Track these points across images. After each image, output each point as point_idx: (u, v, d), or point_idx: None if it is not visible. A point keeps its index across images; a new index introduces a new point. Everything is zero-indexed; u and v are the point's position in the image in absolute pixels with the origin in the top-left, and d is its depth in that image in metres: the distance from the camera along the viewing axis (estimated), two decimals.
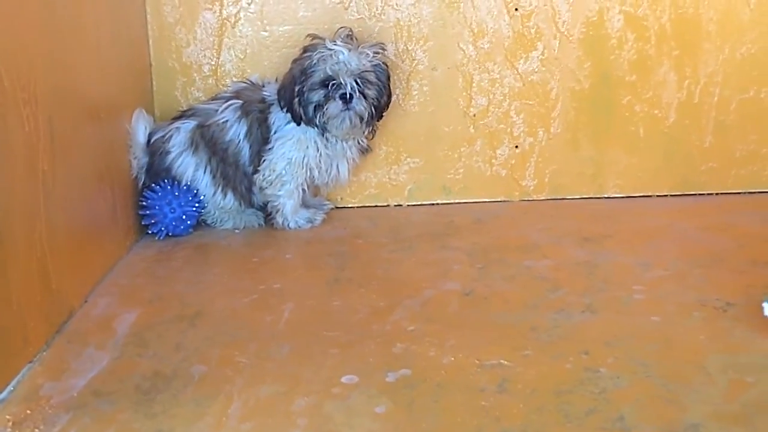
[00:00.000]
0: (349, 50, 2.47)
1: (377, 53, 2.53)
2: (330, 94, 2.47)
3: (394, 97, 2.65)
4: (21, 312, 1.69)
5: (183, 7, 2.73)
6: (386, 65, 2.57)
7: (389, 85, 2.58)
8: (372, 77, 2.51)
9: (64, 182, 1.96)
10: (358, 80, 2.48)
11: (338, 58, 2.46)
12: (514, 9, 2.73)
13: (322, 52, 2.46)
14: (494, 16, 2.73)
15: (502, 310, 1.93)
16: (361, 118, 2.51)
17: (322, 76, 2.47)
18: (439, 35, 2.75)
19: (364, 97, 2.49)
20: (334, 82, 2.46)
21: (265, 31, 2.75)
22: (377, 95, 2.53)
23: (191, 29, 2.75)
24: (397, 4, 2.72)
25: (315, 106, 2.48)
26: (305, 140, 2.55)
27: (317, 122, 2.50)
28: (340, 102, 2.47)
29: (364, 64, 2.49)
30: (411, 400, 1.54)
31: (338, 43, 2.47)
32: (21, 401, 1.57)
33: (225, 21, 2.74)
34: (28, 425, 1.49)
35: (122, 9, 2.54)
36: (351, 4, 2.72)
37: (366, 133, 2.60)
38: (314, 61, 2.47)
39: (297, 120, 2.51)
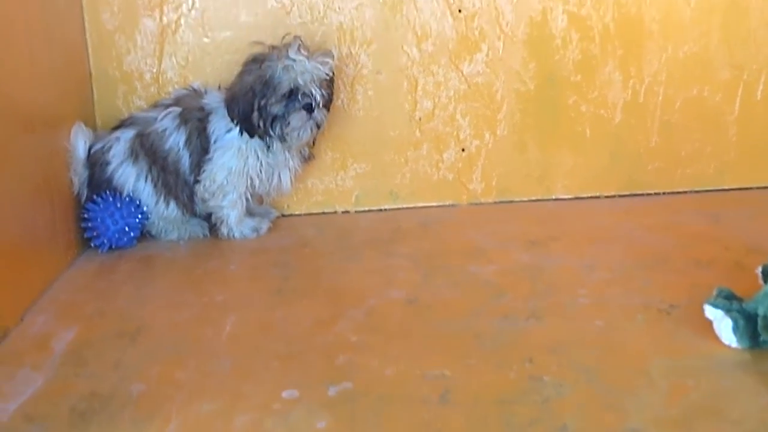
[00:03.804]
0: (308, 59, 2.43)
1: (331, 61, 2.50)
2: (294, 105, 2.43)
3: (335, 103, 2.63)
4: None
5: (122, 14, 2.68)
6: (333, 73, 2.55)
7: (333, 93, 2.57)
8: (326, 85, 2.49)
9: None
10: (322, 89, 2.46)
11: (304, 67, 2.42)
12: (457, 10, 2.71)
13: (285, 63, 2.42)
14: (437, 17, 2.72)
15: (446, 318, 1.92)
16: (318, 127, 2.50)
17: (290, 86, 2.42)
18: (383, 38, 2.73)
19: (321, 106, 2.47)
20: (301, 92, 2.43)
21: (207, 37, 2.71)
22: (327, 102, 2.52)
23: (131, 36, 2.70)
24: (339, 8, 2.70)
25: (274, 118, 2.44)
26: (246, 150, 2.51)
27: (275, 134, 2.47)
28: (305, 112, 2.44)
29: (326, 73, 2.47)
30: (352, 415, 1.51)
31: (300, 51, 2.43)
32: None
33: (165, 28, 2.70)
34: None
35: (57, 16, 2.48)
36: (293, 9, 2.69)
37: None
38: (277, 72, 2.41)
39: (253, 133, 2.46)
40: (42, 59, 2.31)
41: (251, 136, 2.47)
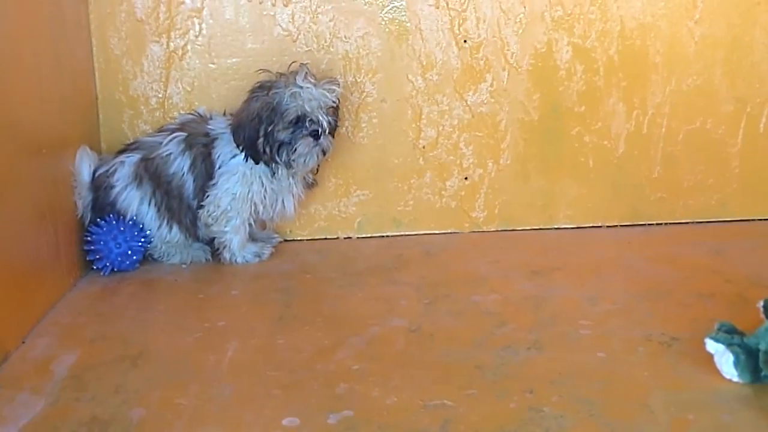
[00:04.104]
0: (315, 86, 2.45)
1: (338, 89, 2.52)
2: (301, 131, 2.44)
3: (339, 130, 2.65)
4: None
5: (129, 39, 2.70)
6: (339, 100, 2.57)
7: (338, 120, 2.59)
8: (332, 112, 2.50)
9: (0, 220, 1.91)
10: (328, 116, 2.47)
11: (311, 94, 2.43)
12: (462, 41, 2.73)
13: (293, 90, 2.43)
14: (443, 48, 2.74)
15: (448, 348, 1.91)
16: (324, 153, 2.51)
17: (297, 113, 2.43)
18: (388, 67, 2.74)
19: (327, 132, 2.48)
20: (308, 119, 2.44)
21: (213, 63, 2.73)
22: (334, 129, 2.54)
23: (138, 61, 2.72)
24: (345, 37, 2.72)
25: (280, 144, 2.45)
26: (250, 175, 2.52)
27: (281, 160, 2.47)
28: (311, 139, 2.45)
29: (333, 100, 2.48)
30: None
31: (307, 79, 2.44)
32: None
33: (172, 53, 2.71)
34: None
35: (65, 41, 2.50)
36: (299, 36, 2.71)
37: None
38: (285, 99, 2.43)
39: (258, 159, 2.47)
40: (49, 83, 2.33)
41: (257, 162, 2.48)
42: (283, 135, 2.44)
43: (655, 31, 2.75)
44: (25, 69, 2.16)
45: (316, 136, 2.45)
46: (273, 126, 2.43)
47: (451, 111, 2.77)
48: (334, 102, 2.49)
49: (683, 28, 2.75)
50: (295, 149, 2.45)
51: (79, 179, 2.50)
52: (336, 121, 2.55)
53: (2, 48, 2.01)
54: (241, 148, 2.47)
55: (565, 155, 2.81)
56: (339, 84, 2.53)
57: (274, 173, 2.52)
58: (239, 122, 2.48)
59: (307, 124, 2.44)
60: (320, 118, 2.45)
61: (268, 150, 2.45)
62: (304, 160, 2.48)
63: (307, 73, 2.46)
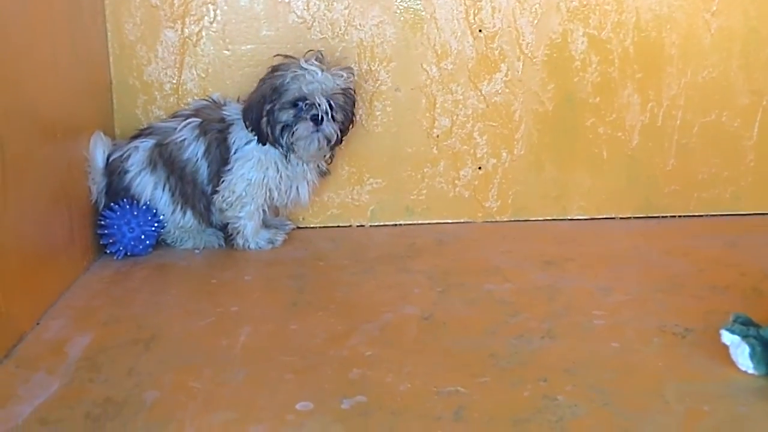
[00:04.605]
0: (322, 71, 2.44)
1: (349, 76, 2.51)
2: (301, 114, 2.44)
3: (356, 121, 2.64)
4: None
5: (144, 25, 2.71)
6: (354, 91, 2.55)
7: (353, 111, 2.57)
8: (341, 100, 2.49)
9: (16, 204, 1.91)
10: (330, 102, 2.46)
11: (313, 77, 2.43)
12: (477, 30, 2.73)
13: (296, 72, 2.43)
14: (458, 37, 2.73)
15: (461, 336, 1.91)
16: (329, 141, 2.49)
17: (296, 95, 2.43)
18: (403, 56, 2.74)
19: (333, 120, 2.47)
20: (307, 102, 2.43)
21: (228, 50, 2.73)
22: (343, 119, 2.52)
23: (152, 47, 2.72)
24: (360, 25, 2.71)
25: (283, 126, 2.45)
26: (265, 161, 2.52)
27: (283, 143, 2.47)
28: (311, 123, 2.44)
29: (337, 85, 2.47)
30: (365, 429, 1.51)
31: (313, 62, 2.44)
32: None
33: (187, 39, 2.71)
34: None
35: (81, 27, 2.50)
36: (314, 24, 2.71)
37: (326, 156, 2.59)
38: (287, 80, 2.43)
39: (263, 140, 2.47)
40: (65, 68, 2.33)
41: (262, 143, 2.48)
42: (284, 116, 2.44)
43: (671, 23, 2.74)
44: (41, 54, 2.16)
45: (316, 120, 2.44)
46: (273, 105, 2.43)
47: (465, 100, 2.77)
48: (339, 87, 2.47)
49: (699, 20, 2.74)
50: (294, 132, 2.45)
51: (93, 164, 2.50)
52: (350, 112, 2.53)
53: (18, 34, 2.01)
54: (249, 129, 2.48)
55: (579, 146, 2.81)
56: (352, 71, 2.53)
57: (287, 158, 2.51)
58: (249, 104, 2.49)
59: (304, 106, 2.43)
60: (319, 101, 2.43)
61: (269, 130, 2.45)
62: (304, 144, 2.47)
63: (317, 57, 2.45)
